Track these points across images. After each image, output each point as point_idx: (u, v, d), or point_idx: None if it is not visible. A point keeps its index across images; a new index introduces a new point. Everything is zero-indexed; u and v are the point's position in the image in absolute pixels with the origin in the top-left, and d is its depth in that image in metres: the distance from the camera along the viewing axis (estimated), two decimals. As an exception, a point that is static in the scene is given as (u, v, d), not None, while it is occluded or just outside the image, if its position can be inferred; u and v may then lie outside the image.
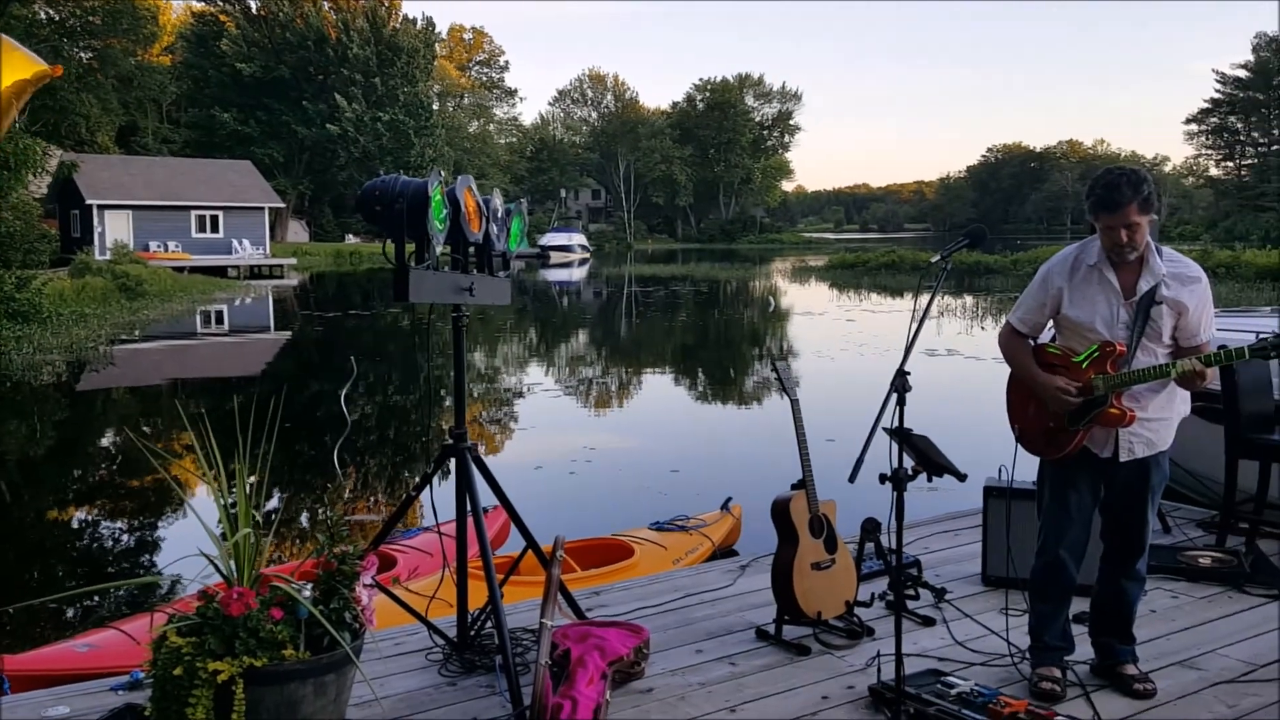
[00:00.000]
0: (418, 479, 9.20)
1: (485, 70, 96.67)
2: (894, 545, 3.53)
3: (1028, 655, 3.77)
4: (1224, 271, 30.11)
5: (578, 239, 70.18)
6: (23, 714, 3.53)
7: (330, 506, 8.49)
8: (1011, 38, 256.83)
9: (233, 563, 3.07)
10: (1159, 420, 3.55)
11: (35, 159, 22.05)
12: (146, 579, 6.81)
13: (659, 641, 4.12)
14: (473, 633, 4.00)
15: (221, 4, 68.33)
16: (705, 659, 4.00)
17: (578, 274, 52.72)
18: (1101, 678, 3.69)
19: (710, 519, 6.56)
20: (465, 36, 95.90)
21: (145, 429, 12.29)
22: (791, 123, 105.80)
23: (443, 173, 3.67)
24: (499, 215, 4.09)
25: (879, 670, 3.65)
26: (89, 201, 43.25)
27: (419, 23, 72.97)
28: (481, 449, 4.04)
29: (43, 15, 40.70)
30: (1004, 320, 3.81)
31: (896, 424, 3.33)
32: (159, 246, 43.95)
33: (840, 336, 20.53)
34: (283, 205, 56.46)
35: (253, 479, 3.19)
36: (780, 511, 4.14)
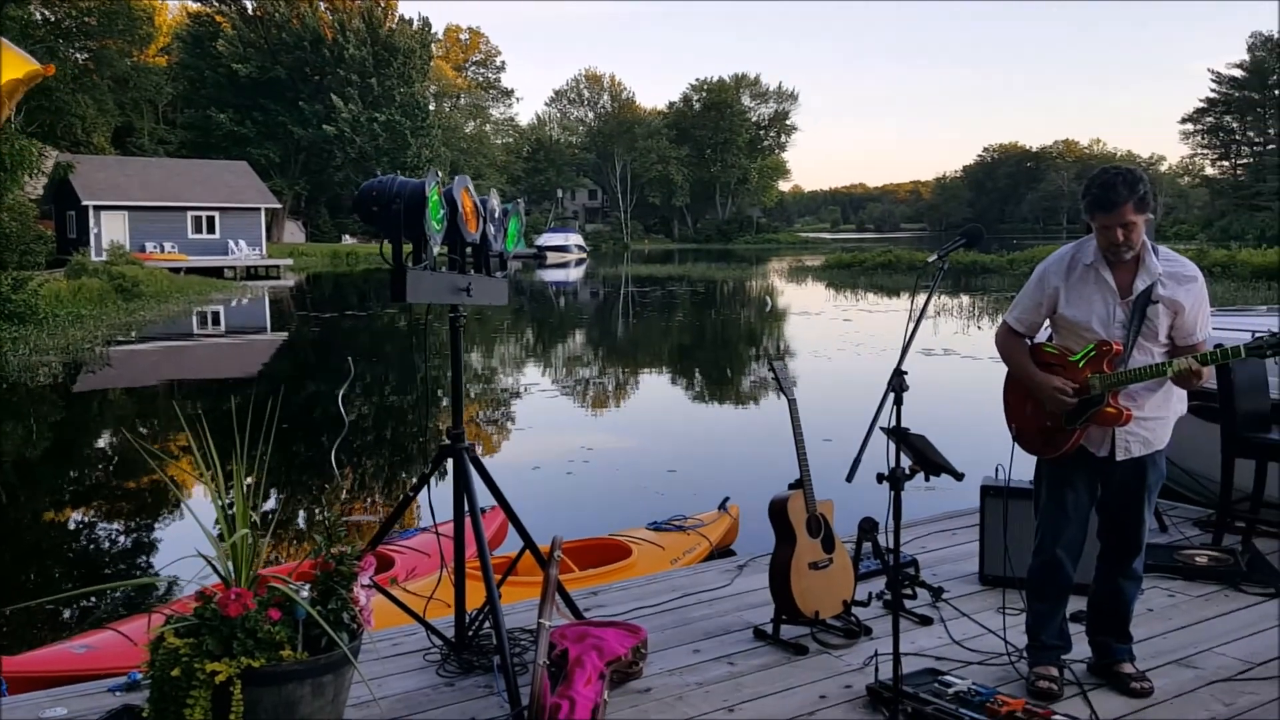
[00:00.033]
0: (415, 480, 9.21)
1: (481, 70, 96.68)
2: (891, 545, 3.54)
3: (1025, 654, 3.77)
4: (1220, 271, 30.17)
5: (574, 239, 70.17)
6: (20, 715, 3.53)
7: (328, 507, 8.48)
8: (1011, 38, 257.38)
9: (230, 564, 3.07)
10: (1155, 419, 3.55)
11: (31, 160, 22.05)
12: (143, 580, 6.80)
13: (657, 641, 4.12)
14: (471, 633, 4.00)
15: (217, 5, 68.24)
16: (703, 659, 4.00)
17: (574, 274, 52.73)
18: (1098, 676, 3.70)
19: (708, 519, 6.57)
20: (461, 37, 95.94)
21: (142, 430, 12.28)
22: (788, 123, 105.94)
23: (440, 173, 3.67)
24: (496, 215, 4.09)
25: (877, 669, 3.65)
26: (85, 202, 43.19)
27: (415, 23, 72.94)
28: (479, 449, 4.03)
29: (39, 16, 40.64)
30: (1001, 320, 3.81)
31: (894, 423, 3.34)
32: (155, 247, 43.87)
33: (837, 336, 20.54)
34: (279, 206, 56.39)
35: (249, 480, 3.19)
36: (778, 511, 4.15)
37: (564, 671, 3.58)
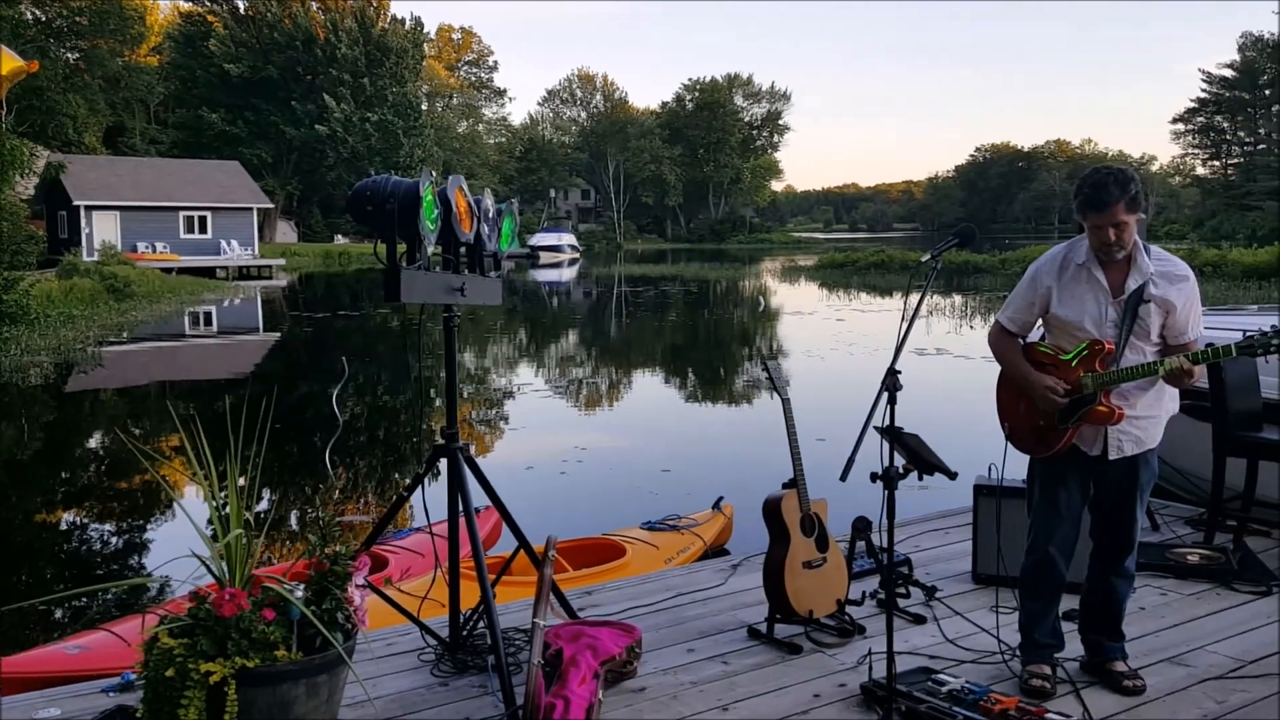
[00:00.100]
0: (408, 480, 9.20)
1: (474, 70, 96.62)
2: (885, 544, 3.54)
3: (1018, 652, 3.78)
4: (1211, 270, 30.26)
5: (567, 239, 70.19)
6: (13, 716, 3.52)
7: (321, 507, 8.47)
8: (1008, 38, 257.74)
9: (224, 564, 3.07)
10: (1147, 418, 3.57)
11: (22, 160, 21.97)
12: (137, 580, 6.79)
13: (651, 641, 4.12)
14: (465, 633, 4.00)
15: (209, 4, 68.09)
16: (697, 658, 4.01)
17: (567, 274, 52.71)
18: (1091, 675, 3.72)
19: (702, 518, 6.57)
20: (454, 36, 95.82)
21: (134, 430, 12.25)
22: (780, 122, 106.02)
23: (434, 173, 3.67)
24: (490, 215, 4.09)
25: (870, 668, 3.66)
26: (76, 202, 43.05)
27: (407, 23, 72.88)
28: (472, 449, 4.03)
29: (29, 16, 40.48)
30: (993, 319, 3.82)
31: (888, 423, 3.35)
32: (147, 247, 43.77)
33: (830, 336, 20.57)
34: (271, 206, 56.28)
35: (242, 480, 3.18)
36: (772, 510, 4.15)
37: (559, 671, 3.58)
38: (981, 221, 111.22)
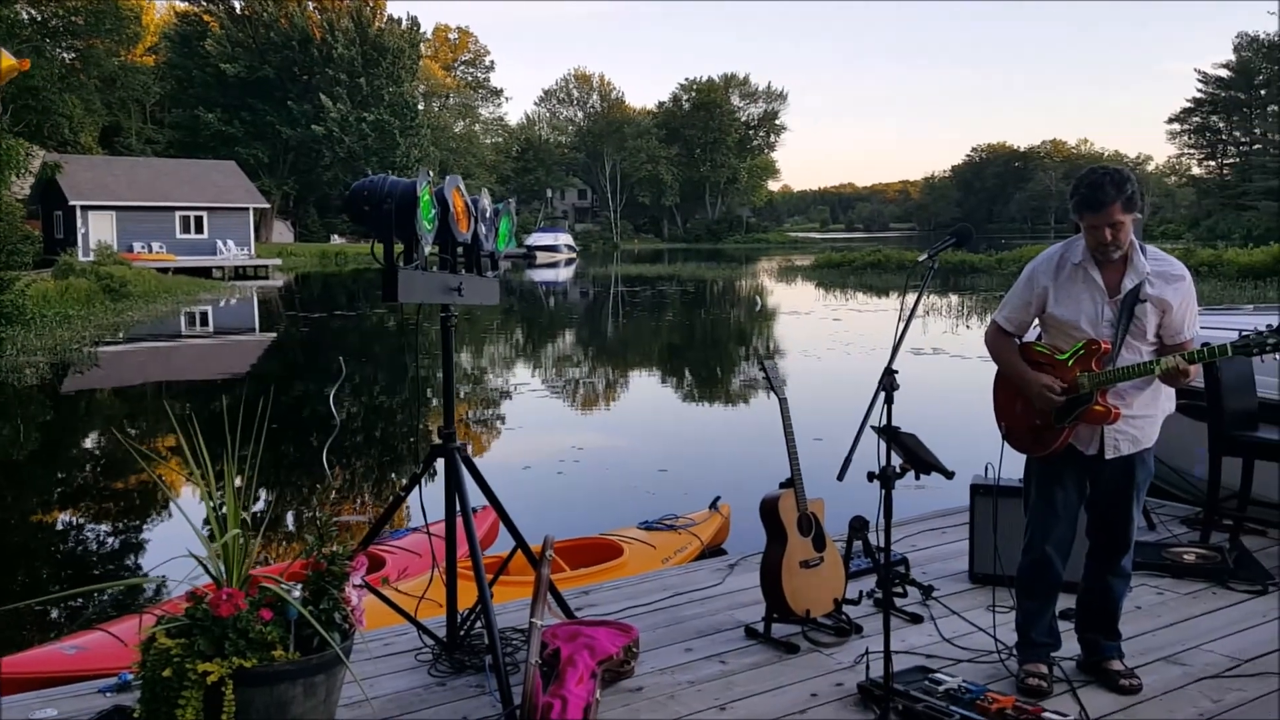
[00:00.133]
0: (404, 480, 9.20)
1: (471, 70, 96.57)
2: (882, 543, 3.55)
3: (1015, 652, 3.79)
4: (1206, 270, 30.30)
5: (564, 239, 70.17)
6: (11, 716, 3.52)
7: (319, 507, 8.47)
8: (1007, 38, 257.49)
9: (222, 564, 3.07)
10: (1144, 417, 3.58)
11: (18, 160, 21.94)
12: (134, 581, 6.78)
13: (648, 640, 4.13)
14: (462, 633, 4.00)
15: (205, 4, 68.03)
16: (694, 657, 4.01)
17: (564, 274, 52.71)
18: (1088, 674, 3.72)
19: (699, 518, 6.57)
20: (450, 36, 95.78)
21: (130, 431, 12.23)
22: (777, 122, 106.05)
23: (430, 173, 3.67)
24: (487, 215, 4.09)
25: (867, 667, 3.66)
26: (72, 202, 42.99)
27: (404, 23, 72.86)
28: (469, 449, 4.03)
29: (25, 15, 40.41)
30: (990, 319, 3.83)
31: (885, 422, 3.35)
32: (143, 247, 43.72)
33: (827, 336, 20.58)
34: (267, 206, 56.25)
35: (239, 480, 3.18)
36: (769, 510, 4.16)
37: (556, 671, 3.58)
38: (978, 221, 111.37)
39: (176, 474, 9.15)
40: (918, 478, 3.57)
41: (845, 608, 4.26)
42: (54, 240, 42.71)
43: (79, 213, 43.20)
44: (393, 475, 9.77)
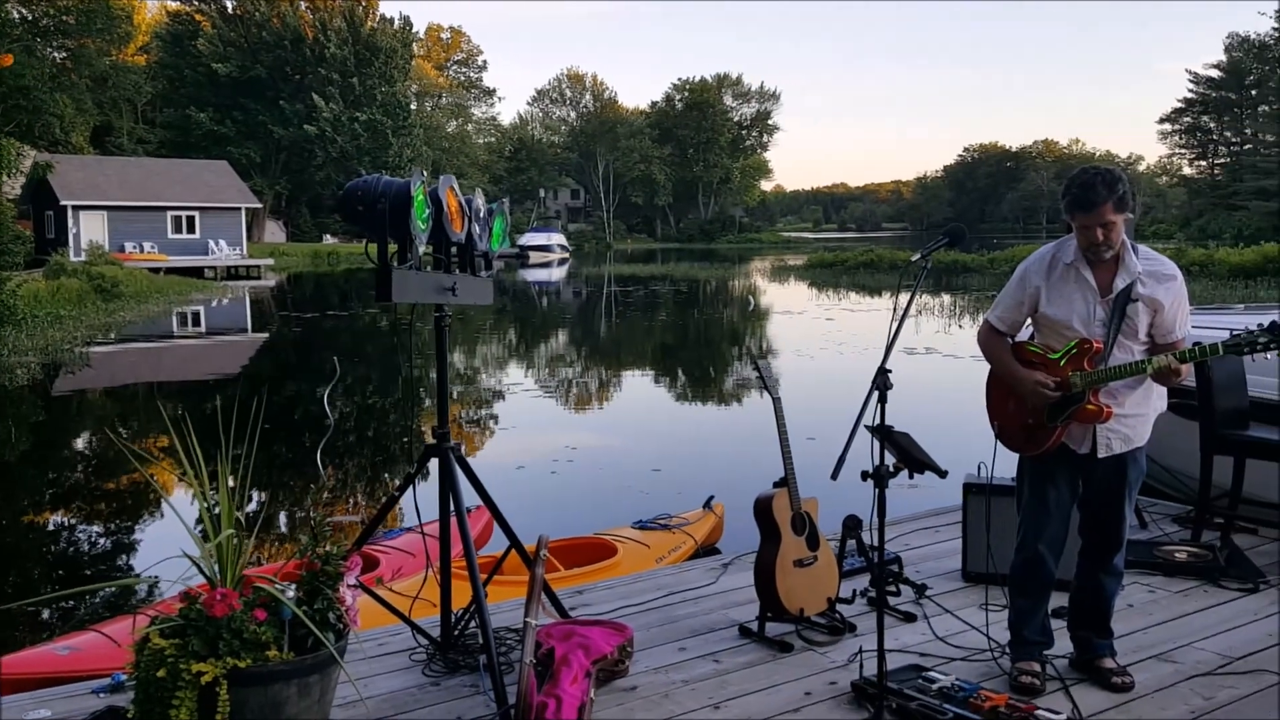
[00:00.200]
0: (398, 479, 9.19)
1: (463, 70, 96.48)
2: (875, 542, 3.56)
3: (1007, 650, 3.80)
4: (1198, 269, 30.41)
5: (557, 239, 70.15)
6: (4, 717, 3.51)
7: (312, 507, 8.46)
8: (1005, 38, 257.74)
9: (215, 564, 3.07)
10: (1136, 416, 3.59)
11: (9, 159, 21.89)
12: (128, 581, 6.77)
13: (642, 640, 4.13)
14: (456, 632, 4.00)
15: (197, 3, 67.86)
16: (688, 657, 4.02)
17: (557, 274, 52.68)
18: (1080, 671, 3.74)
19: (693, 517, 6.58)
20: (443, 36, 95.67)
21: (122, 431, 12.20)
22: (770, 122, 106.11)
23: (424, 172, 3.67)
24: (481, 215, 4.09)
25: (861, 666, 3.68)
26: (63, 202, 42.87)
27: (396, 22, 72.72)
28: (463, 449, 4.04)
29: (15, 15, 40.25)
30: (983, 319, 3.84)
31: (878, 421, 3.36)
32: (135, 247, 43.60)
33: (820, 335, 20.61)
34: (259, 205, 56.13)
35: (232, 481, 3.18)
36: (762, 509, 4.16)
37: (550, 670, 3.59)
38: (970, 221, 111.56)
39: (169, 474, 9.13)
40: (911, 477, 3.58)
41: (839, 606, 4.27)
42: (45, 240, 42.59)
43: (70, 213, 43.09)
44: (386, 475, 9.76)
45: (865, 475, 3.37)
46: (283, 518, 8.24)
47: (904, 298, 3.46)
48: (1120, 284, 3.51)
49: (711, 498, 6.91)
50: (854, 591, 4.59)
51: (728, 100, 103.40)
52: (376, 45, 68.32)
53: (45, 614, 6.07)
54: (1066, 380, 3.51)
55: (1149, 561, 4.94)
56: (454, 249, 3.96)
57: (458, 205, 3.85)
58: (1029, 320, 3.73)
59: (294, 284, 42.10)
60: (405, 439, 11.30)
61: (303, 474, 9.54)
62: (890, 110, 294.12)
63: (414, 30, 76.20)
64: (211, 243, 46.35)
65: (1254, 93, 75.72)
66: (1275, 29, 71.54)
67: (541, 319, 29.29)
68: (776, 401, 4.22)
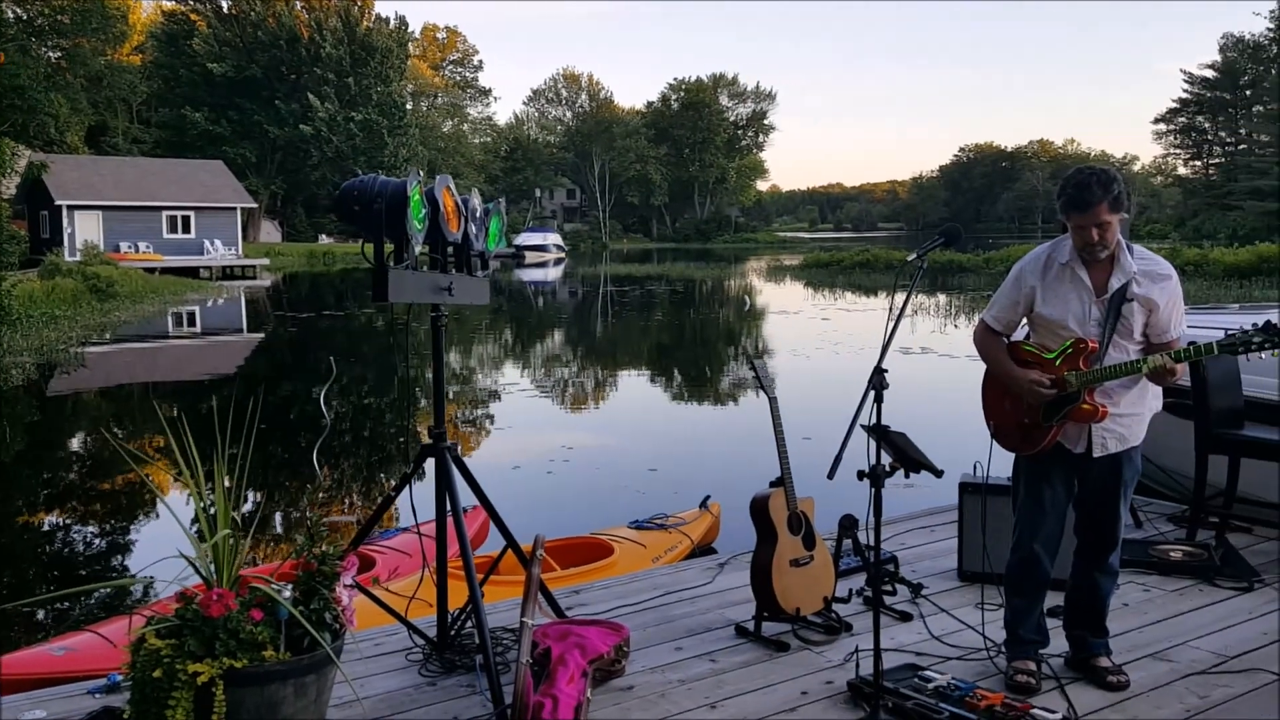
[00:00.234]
0: (394, 480, 9.18)
1: (459, 70, 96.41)
2: (871, 541, 3.56)
3: (1003, 649, 3.81)
4: (1192, 269, 30.48)
5: (553, 239, 70.12)
6: (-2, 719, 3.50)
7: (309, 507, 8.45)
8: (1002, 38, 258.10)
9: (212, 564, 3.06)
10: (1131, 416, 3.60)
11: (4, 159, 21.83)
12: (124, 581, 6.76)
13: (639, 639, 4.13)
14: (453, 632, 4.00)
15: (192, 3, 67.77)
16: (685, 656, 4.02)
17: (553, 274, 52.66)
18: (1076, 670, 3.74)
19: (689, 517, 6.58)
20: (439, 36, 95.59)
21: (117, 431, 12.18)
22: (766, 122, 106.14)
23: (421, 172, 3.67)
24: (477, 215, 4.09)
25: (857, 665, 3.68)
26: (58, 202, 42.78)
27: (392, 22, 72.67)
28: (459, 449, 4.04)
29: (10, 14, 40.16)
30: (978, 319, 3.85)
31: (874, 421, 3.37)
32: (130, 247, 43.52)
33: (816, 335, 20.62)
34: (255, 205, 56.04)
35: (228, 481, 3.18)
36: (759, 509, 4.17)
37: (547, 670, 3.59)
38: (965, 221, 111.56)
39: (164, 475, 9.12)
40: (907, 476, 3.59)
41: (835, 606, 4.27)
42: (40, 240, 42.47)
43: (65, 212, 42.99)
44: (382, 475, 9.75)
45: (861, 475, 3.37)
46: (279, 518, 8.23)
47: (900, 297, 3.46)
48: (1115, 284, 3.51)
49: (708, 497, 6.91)
50: (850, 591, 4.59)
51: (724, 100, 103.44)
52: (372, 45, 68.26)
53: (40, 614, 6.06)
54: (1062, 380, 3.52)
55: (1144, 560, 4.95)
56: (450, 249, 3.96)
57: (454, 205, 3.85)
58: (1025, 320, 3.74)
59: (289, 284, 42.06)
60: (401, 439, 11.29)
61: (299, 474, 9.53)
62: (890, 110, 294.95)
63: (409, 30, 76.32)
64: (207, 243, 46.28)
65: (1249, 93, 75.86)
66: (1270, 29, 71.72)
67: (537, 319, 29.29)
68: (773, 401, 4.22)
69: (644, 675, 3.83)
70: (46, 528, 8.29)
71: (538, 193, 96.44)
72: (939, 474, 3.59)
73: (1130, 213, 3.56)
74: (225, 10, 67.65)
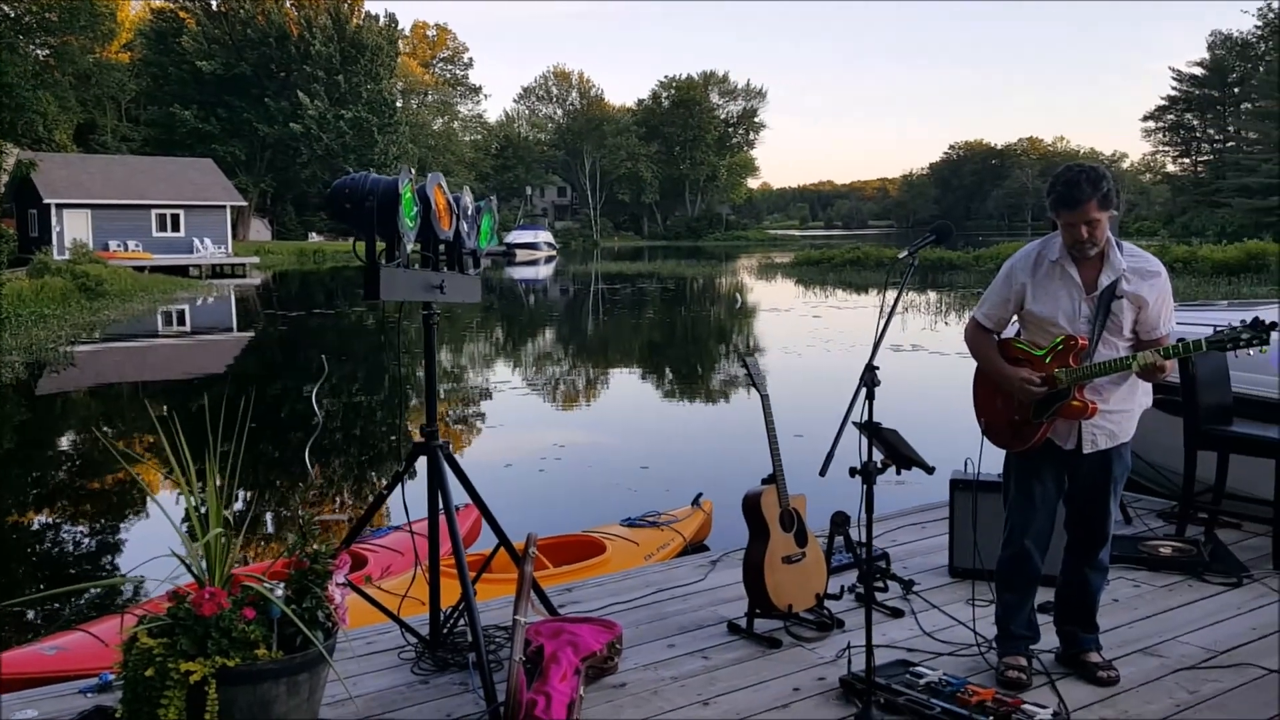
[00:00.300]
0: (385, 478, 9.17)
1: (449, 67, 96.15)
2: (863, 538, 3.57)
3: (994, 645, 3.83)
4: (1181, 266, 30.59)
5: (544, 236, 70.04)
6: (-10, 719, 3.49)
7: (300, 506, 8.44)
8: (1001, 38, 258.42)
9: (204, 563, 3.06)
10: (1120, 412, 3.62)
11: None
12: (115, 580, 6.74)
13: (631, 636, 4.14)
14: (445, 630, 4.00)
15: (181, 0, 67.45)
16: (677, 653, 4.03)
17: (544, 272, 52.62)
18: (1066, 666, 3.76)
19: (681, 514, 6.59)
20: (429, 33, 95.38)
21: (106, 430, 12.14)
22: (756, 120, 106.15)
23: (412, 170, 3.66)
24: (469, 212, 4.09)
25: (849, 661, 3.69)
26: (47, 200, 42.56)
27: (381, 19, 72.46)
28: (450, 447, 4.03)
29: (-3, 11, 39.96)
30: (969, 316, 3.86)
31: (866, 418, 3.37)
32: (119, 246, 43.33)
33: (807, 333, 20.65)
34: (245, 203, 55.85)
35: (219, 479, 3.17)
36: (751, 506, 4.18)
37: (539, 667, 3.59)
38: (955, 218, 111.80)
39: (155, 473, 9.09)
40: (898, 473, 3.60)
41: (827, 603, 4.28)
42: (29, 239, 42.30)
43: (54, 211, 42.79)
44: (373, 474, 9.74)
45: (853, 471, 3.39)
46: (270, 517, 8.21)
47: (891, 295, 3.47)
48: (1105, 281, 3.53)
49: (700, 495, 6.92)
50: (842, 587, 4.60)
51: (714, 98, 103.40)
52: (362, 42, 68.05)
53: (31, 614, 6.04)
54: (1052, 377, 3.53)
55: (1134, 556, 4.98)
56: (442, 246, 3.95)
57: (446, 203, 3.85)
58: (1015, 317, 3.75)
59: (279, 282, 41.94)
60: (393, 437, 11.28)
61: (290, 473, 9.51)
62: (890, 110, 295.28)
63: (399, 27, 76.03)
64: (196, 241, 46.11)
65: (1237, 90, 76.07)
66: (1258, 27, 72.03)
67: (529, 317, 29.26)
68: (764, 398, 4.23)
69: (636, 672, 3.84)
70: (37, 527, 8.26)
71: (528, 190, 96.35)
72: (930, 471, 3.61)
73: (1119, 210, 3.55)
74: (214, 8, 67.38)
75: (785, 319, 24.81)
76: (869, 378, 3.34)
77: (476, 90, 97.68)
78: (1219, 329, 3.42)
